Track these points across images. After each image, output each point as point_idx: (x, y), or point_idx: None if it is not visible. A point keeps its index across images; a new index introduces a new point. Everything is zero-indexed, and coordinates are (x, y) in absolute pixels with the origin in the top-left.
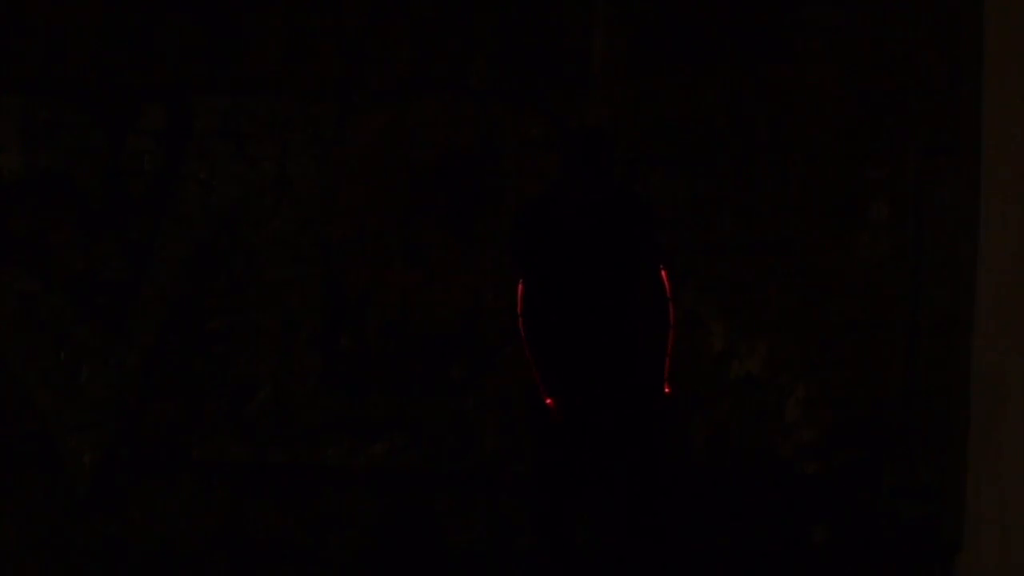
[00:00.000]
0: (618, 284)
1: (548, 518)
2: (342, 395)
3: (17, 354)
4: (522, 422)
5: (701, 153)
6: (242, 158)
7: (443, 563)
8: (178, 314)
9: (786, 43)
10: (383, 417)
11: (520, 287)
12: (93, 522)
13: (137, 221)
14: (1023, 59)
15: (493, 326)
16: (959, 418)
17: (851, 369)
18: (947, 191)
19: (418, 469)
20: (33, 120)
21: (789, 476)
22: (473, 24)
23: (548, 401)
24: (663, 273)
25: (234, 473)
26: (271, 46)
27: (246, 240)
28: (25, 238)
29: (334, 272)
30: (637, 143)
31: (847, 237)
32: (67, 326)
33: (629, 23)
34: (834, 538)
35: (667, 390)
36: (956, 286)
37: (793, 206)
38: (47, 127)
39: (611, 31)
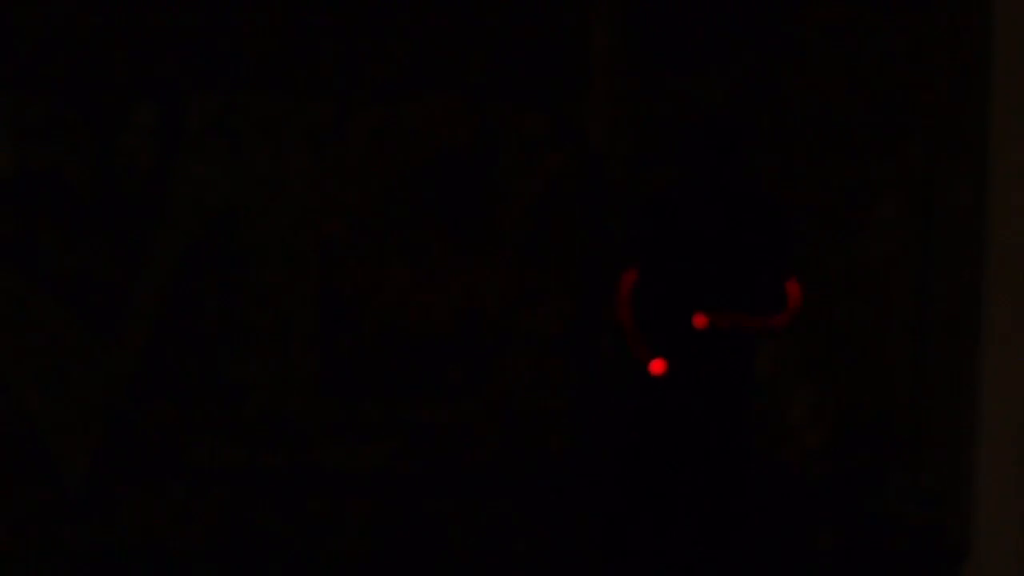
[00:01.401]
0: (734, 289)
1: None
2: (338, 398)
3: (7, 356)
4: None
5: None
6: (236, 156)
7: (440, 568)
8: (171, 315)
9: (790, 40)
10: (380, 420)
11: (630, 274)
12: (85, 525)
13: (129, 220)
14: None
15: (492, 328)
16: (966, 421)
17: (856, 371)
18: (954, 190)
19: (415, 473)
20: (22, 118)
21: (794, 479)
22: (472, 23)
23: (656, 361)
24: (792, 285)
25: (228, 476)
26: (266, 42)
27: (240, 240)
28: (14, 237)
29: (330, 273)
30: (637, 142)
31: (852, 236)
32: (58, 327)
33: (629, 22)
34: (840, 542)
35: None
36: (963, 286)
37: (797, 205)
38: (37, 125)
39: (611, 30)
